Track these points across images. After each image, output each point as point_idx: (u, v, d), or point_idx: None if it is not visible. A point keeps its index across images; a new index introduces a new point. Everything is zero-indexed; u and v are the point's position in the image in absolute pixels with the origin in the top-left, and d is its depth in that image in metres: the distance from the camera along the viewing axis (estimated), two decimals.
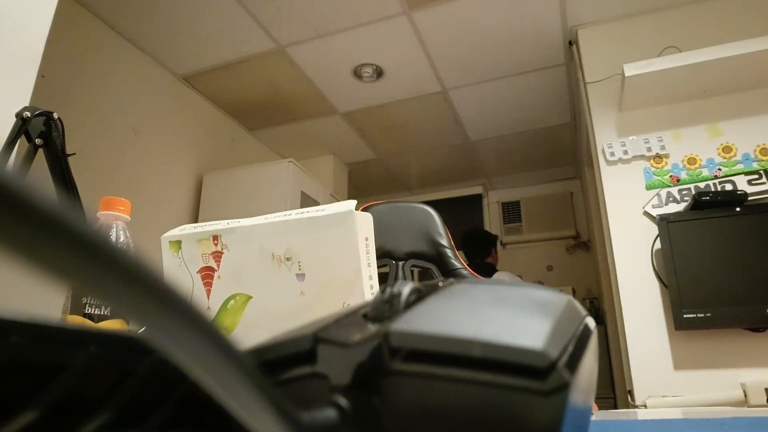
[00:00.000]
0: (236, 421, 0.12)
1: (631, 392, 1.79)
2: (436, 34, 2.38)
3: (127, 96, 2.37)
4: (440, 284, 0.20)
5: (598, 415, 0.45)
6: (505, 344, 0.14)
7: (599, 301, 3.42)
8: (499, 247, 3.28)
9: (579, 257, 3.91)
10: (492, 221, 4.27)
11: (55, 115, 0.73)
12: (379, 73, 2.68)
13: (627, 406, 1.90)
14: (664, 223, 1.78)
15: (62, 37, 2.00)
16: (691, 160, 1.93)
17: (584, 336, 0.17)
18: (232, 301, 0.49)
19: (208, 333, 0.10)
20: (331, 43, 2.43)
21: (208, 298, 0.50)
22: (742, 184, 1.84)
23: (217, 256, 0.50)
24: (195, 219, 2.77)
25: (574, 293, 3.60)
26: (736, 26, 2.03)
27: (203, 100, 2.88)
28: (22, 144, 0.73)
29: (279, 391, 0.12)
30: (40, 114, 0.72)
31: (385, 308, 0.17)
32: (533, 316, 0.16)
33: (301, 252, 0.46)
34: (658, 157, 1.98)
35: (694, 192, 1.87)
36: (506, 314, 0.16)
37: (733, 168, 1.87)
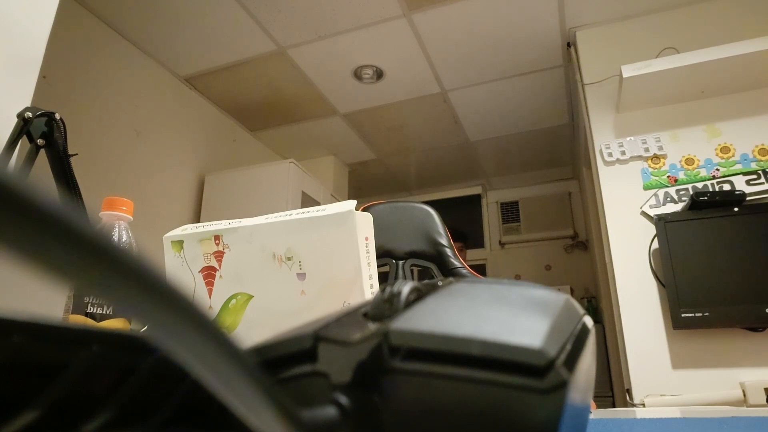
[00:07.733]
0: (238, 420, 0.12)
1: (629, 391, 1.79)
2: (435, 36, 2.38)
3: (129, 97, 2.37)
4: (440, 283, 0.20)
5: (596, 414, 0.45)
6: (503, 343, 0.14)
7: (597, 300, 3.43)
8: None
9: (577, 257, 3.92)
10: (491, 221, 4.28)
11: (57, 116, 0.73)
12: (379, 74, 2.68)
13: (625, 404, 1.90)
14: (662, 223, 1.78)
15: (64, 37, 2.00)
16: (689, 161, 1.93)
17: (582, 335, 0.17)
18: (234, 301, 0.49)
19: (210, 332, 0.10)
20: (332, 45, 2.43)
21: (210, 297, 0.50)
22: (740, 184, 1.84)
23: (219, 255, 0.50)
24: (197, 219, 2.77)
25: (572, 292, 3.61)
26: (733, 27, 2.03)
27: (205, 101, 2.88)
28: (23, 144, 0.73)
29: (280, 389, 0.12)
30: (42, 114, 0.72)
31: (385, 307, 0.17)
32: (531, 314, 0.16)
33: (302, 251, 0.46)
34: (656, 158, 1.98)
35: (691, 192, 1.87)
36: (505, 313, 0.16)
37: (731, 168, 1.87)
